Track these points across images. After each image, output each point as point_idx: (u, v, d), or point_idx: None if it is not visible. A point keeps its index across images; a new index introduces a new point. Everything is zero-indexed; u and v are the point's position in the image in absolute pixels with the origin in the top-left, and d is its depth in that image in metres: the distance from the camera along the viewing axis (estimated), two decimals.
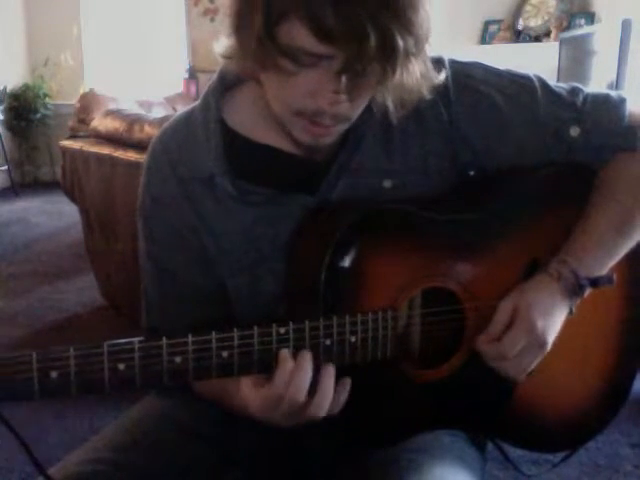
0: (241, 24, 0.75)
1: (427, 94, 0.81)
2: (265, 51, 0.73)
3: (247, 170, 0.88)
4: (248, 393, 0.76)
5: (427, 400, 0.87)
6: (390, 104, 0.81)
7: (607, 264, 0.88)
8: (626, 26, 2.33)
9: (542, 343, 0.83)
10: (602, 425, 1.01)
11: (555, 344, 0.85)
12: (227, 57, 0.81)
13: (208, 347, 0.70)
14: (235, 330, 0.71)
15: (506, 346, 0.82)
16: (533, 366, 0.85)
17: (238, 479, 0.92)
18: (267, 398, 0.74)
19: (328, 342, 0.75)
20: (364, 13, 0.68)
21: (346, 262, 0.78)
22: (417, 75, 0.77)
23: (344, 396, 0.77)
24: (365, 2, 0.68)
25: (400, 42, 0.70)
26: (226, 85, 0.90)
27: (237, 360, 0.72)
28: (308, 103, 0.77)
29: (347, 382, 0.77)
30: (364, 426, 0.83)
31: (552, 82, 0.94)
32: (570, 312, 0.87)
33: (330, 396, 0.75)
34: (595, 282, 0.86)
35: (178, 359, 0.69)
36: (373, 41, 0.69)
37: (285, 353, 0.73)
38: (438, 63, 0.82)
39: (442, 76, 0.83)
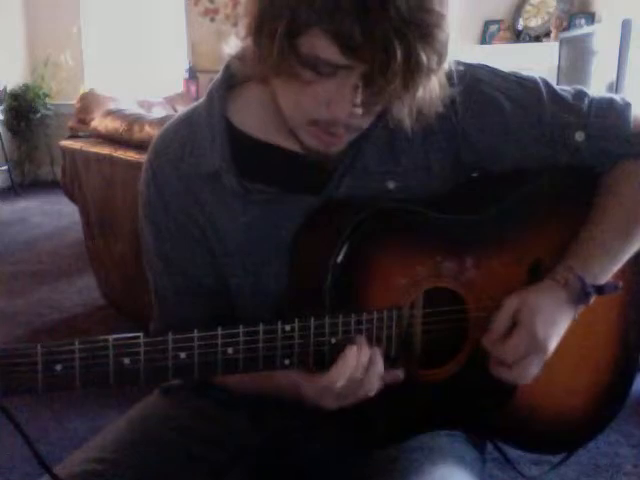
0: (261, 30, 0.73)
1: (441, 107, 0.81)
2: (284, 59, 0.72)
3: (251, 168, 0.88)
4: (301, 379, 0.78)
5: (429, 400, 0.87)
6: (407, 118, 0.81)
7: (612, 270, 0.89)
8: (626, 26, 2.33)
9: (543, 349, 0.83)
10: (601, 426, 1.01)
11: (557, 347, 0.85)
12: (239, 59, 0.80)
13: (214, 343, 0.71)
14: (240, 327, 0.72)
15: (507, 353, 0.83)
16: (535, 372, 0.85)
17: (238, 479, 0.92)
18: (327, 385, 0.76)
19: (334, 340, 0.75)
20: (391, 28, 0.67)
21: (352, 262, 0.78)
22: (436, 90, 0.78)
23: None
24: (392, 17, 0.67)
25: (424, 58, 0.70)
26: (230, 83, 0.90)
27: (242, 356, 0.72)
28: (323, 112, 0.76)
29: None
30: (365, 425, 0.83)
31: (557, 85, 0.93)
32: (574, 318, 0.87)
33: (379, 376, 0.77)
34: (601, 290, 0.86)
35: (183, 354, 0.69)
36: (400, 57, 0.68)
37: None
38: (449, 77, 0.82)
39: (456, 90, 0.83)
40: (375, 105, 0.77)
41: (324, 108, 0.76)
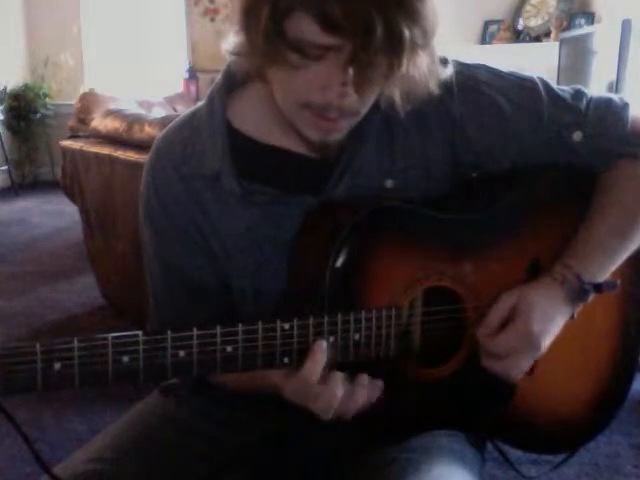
0: (248, 20, 0.75)
1: (434, 89, 0.81)
2: (272, 45, 0.73)
3: (252, 170, 0.88)
4: (279, 381, 0.77)
5: (428, 399, 0.87)
6: (397, 98, 0.81)
7: (610, 269, 0.89)
8: (626, 26, 2.33)
9: (536, 345, 0.83)
10: (601, 427, 1.01)
11: (555, 346, 0.85)
12: (235, 54, 0.81)
13: (212, 341, 0.70)
14: (239, 325, 0.71)
15: (500, 346, 0.82)
16: (526, 367, 0.85)
17: (238, 479, 0.92)
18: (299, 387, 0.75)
19: (332, 339, 0.75)
20: (370, 4, 0.68)
21: (350, 262, 0.78)
22: (424, 68, 0.77)
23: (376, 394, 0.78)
24: None
25: (406, 32, 0.70)
26: (231, 85, 0.91)
27: (241, 355, 0.72)
28: (316, 96, 0.77)
29: (380, 384, 0.78)
30: (365, 424, 0.83)
31: (555, 85, 0.93)
32: (572, 317, 0.87)
33: (361, 400, 0.77)
34: (599, 288, 0.86)
35: (182, 353, 0.69)
36: (379, 31, 0.69)
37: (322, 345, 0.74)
38: (443, 62, 0.82)
39: (449, 71, 0.82)
40: (365, 84, 0.77)
41: (316, 91, 0.76)
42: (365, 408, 0.78)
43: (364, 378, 0.77)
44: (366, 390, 0.77)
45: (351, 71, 0.74)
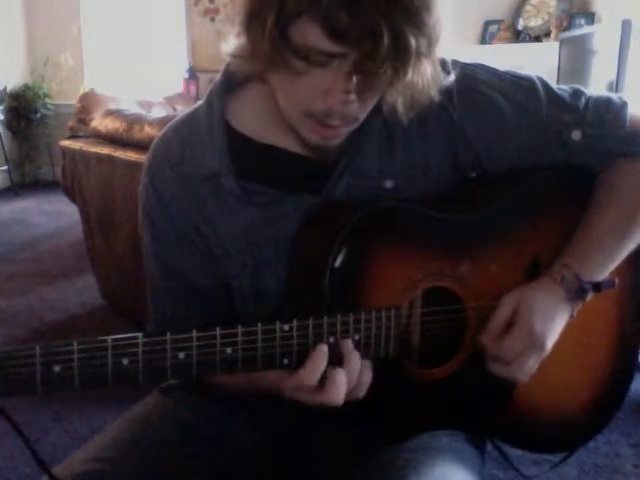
0: (253, 23, 0.74)
1: (436, 96, 0.81)
2: (277, 51, 0.72)
3: (251, 170, 0.88)
4: (278, 380, 0.77)
5: (428, 400, 0.87)
6: (400, 105, 0.81)
7: (609, 268, 0.89)
8: (626, 26, 2.33)
9: (540, 346, 0.83)
10: (600, 427, 1.01)
11: (554, 346, 0.85)
12: (236, 56, 0.80)
13: (212, 343, 0.70)
14: (239, 327, 0.71)
15: (505, 350, 0.83)
16: (533, 369, 0.85)
17: (239, 479, 0.92)
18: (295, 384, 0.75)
19: (332, 340, 0.75)
20: (378, 13, 0.68)
21: (350, 262, 0.78)
22: (428, 76, 0.77)
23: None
24: (379, 2, 0.67)
25: (413, 42, 0.70)
26: (230, 85, 0.90)
27: (241, 356, 0.72)
28: (318, 103, 0.76)
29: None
30: (365, 425, 0.83)
31: (554, 84, 0.94)
32: (571, 316, 0.87)
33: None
34: (598, 286, 0.87)
35: (182, 354, 0.69)
36: (386, 40, 0.68)
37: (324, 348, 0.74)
38: (443, 65, 0.82)
39: (450, 78, 0.82)
40: (368, 92, 0.77)
41: (318, 98, 0.76)
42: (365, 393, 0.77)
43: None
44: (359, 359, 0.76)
45: (355, 79, 0.73)
